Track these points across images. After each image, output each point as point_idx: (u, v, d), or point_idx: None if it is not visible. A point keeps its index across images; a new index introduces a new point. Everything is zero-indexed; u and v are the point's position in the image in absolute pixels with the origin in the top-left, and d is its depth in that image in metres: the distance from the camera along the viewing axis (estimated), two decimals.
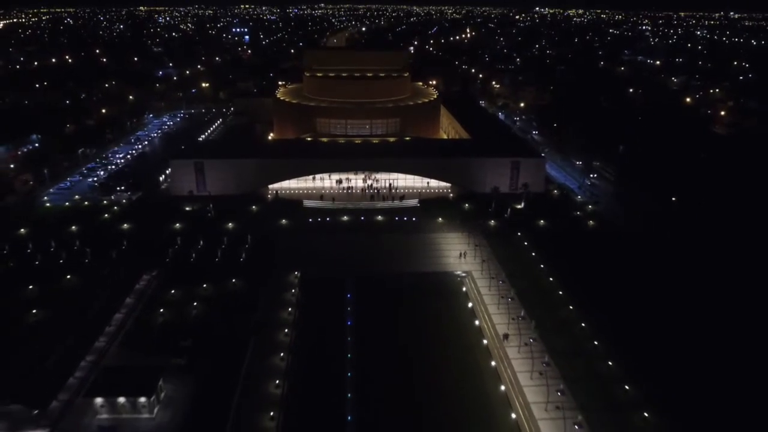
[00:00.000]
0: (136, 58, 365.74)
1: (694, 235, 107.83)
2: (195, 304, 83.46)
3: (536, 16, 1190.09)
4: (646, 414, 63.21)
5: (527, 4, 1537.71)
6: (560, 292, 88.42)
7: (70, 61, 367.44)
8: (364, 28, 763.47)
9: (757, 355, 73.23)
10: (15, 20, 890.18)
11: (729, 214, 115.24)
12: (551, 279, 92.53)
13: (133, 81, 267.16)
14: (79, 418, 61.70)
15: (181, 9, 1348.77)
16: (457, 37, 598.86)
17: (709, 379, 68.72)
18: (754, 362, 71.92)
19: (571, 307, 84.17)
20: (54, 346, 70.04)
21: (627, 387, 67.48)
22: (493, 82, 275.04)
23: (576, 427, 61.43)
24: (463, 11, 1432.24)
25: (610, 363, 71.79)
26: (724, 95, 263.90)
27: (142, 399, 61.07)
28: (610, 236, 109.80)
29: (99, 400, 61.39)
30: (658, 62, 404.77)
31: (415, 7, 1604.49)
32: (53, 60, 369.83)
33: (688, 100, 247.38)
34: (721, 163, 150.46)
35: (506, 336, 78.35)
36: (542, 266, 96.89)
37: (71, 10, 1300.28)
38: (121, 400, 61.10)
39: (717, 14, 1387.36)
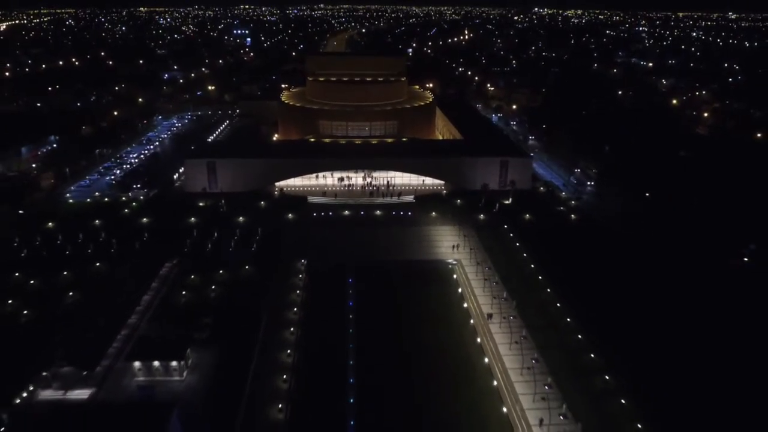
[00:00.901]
0: (141, 61, 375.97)
1: (662, 228, 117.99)
2: (213, 287, 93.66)
3: (534, 17, 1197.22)
4: (607, 377, 73.37)
5: (527, 4, 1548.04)
6: (539, 277, 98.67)
7: (77, 63, 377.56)
8: (363, 30, 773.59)
9: (714, 328, 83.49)
10: (17, 21, 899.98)
11: (700, 208, 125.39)
12: (532, 266, 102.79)
13: (141, 84, 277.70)
14: (120, 380, 71.94)
15: (181, 10, 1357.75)
16: (456, 39, 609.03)
17: (665, 346, 78.96)
18: (713, 333, 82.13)
19: (548, 290, 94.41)
20: (93, 321, 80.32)
21: (593, 355, 77.71)
22: (488, 85, 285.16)
23: (546, 387, 71.50)
24: (462, 12, 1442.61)
25: (579, 336, 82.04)
26: (711, 97, 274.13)
27: (174, 363, 71.32)
28: (587, 229, 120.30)
29: (137, 364, 71.67)
30: (650, 64, 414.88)
31: (414, 8, 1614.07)
32: (60, 63, 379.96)
33: (674, 102, 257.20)
34: (698, 162, 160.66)
35: (490, 315, 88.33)
36: (525, 255, 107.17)
37: (71, 10, 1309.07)
38: (156, 363, 71.34)
39: (716, 15, 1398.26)
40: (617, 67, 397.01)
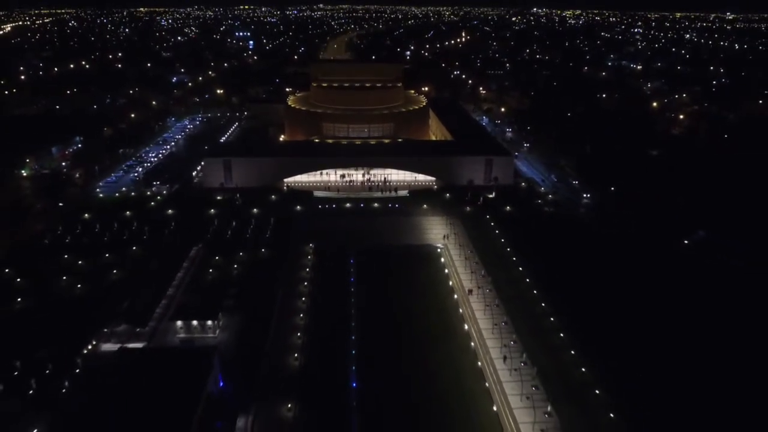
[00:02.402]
0: (149, 64, 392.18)
1: (622, 217, 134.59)
2: (235, 266, 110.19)
3: (532, 18, 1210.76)
4: (562, 335, 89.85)
5: (526, 4, 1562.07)
6: (513, 258, 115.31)
7: (87, 67, 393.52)
8: (363, 32, 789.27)
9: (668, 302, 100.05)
10: (20, 23, 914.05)
11: (659, 200, 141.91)
12: (508, 249, 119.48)
13: (152, 87, 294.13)
14: (165, 336, 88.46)
15: (181, 10, 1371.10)
16: (453, 42, 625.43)
17: (613, 310, 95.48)
18: (668, 306, 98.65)
19: (520, 268, 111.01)
20: (138, 291, 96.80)
21: (552, 319, 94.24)
22: (480, 88, 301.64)
23: (512, 343, 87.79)
24: (461, 13, 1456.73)
25: (543, 304, 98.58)
26: (690, 100, 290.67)
27: (209, 322, 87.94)
28: (558, 218, 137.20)
29: (179, 323, 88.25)
30: (639, 67, 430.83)
31: (413, 8, 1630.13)
32: (71, 66, 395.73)
33: (654, 104, 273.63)
34: (665, 160, 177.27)
35: (470, 291, 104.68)
36: (502, 240, 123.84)
37: (71, 11, 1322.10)
38: (194, 323, 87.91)
39: (713, 15, 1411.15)
40: (607, 70, 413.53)
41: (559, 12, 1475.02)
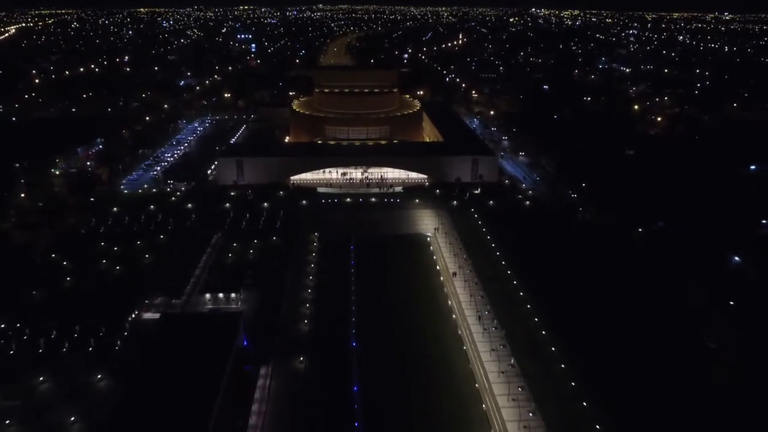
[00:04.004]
0: (156, 68, 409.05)
1: (593, 209, 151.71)
2: (251, 251, 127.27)
3: (529, 19, 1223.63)
4: (529, 306, 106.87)
5: (525, 4, 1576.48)
6: (493, 245, 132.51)
7: (97, 70, 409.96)
8: (362, 34, 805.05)
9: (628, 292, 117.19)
10: (23, 24, 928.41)
11: (627, 194, 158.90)
12: (488, 237, 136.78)
13: (162, 91, 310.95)
14: (195, 307, 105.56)
15: (180, 10, 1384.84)
16: (450, 44, 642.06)
17: (579, 287, 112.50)
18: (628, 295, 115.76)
19: (497, 253, 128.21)
20: (170, 271, 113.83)
21: (521, 293, 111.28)
22: (473, 92, 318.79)
23: (486, 312, 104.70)
24: (460, 13, 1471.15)
25: (515, 282, 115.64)
26: (671, 103, 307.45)
27: (233, 294, 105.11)
28: (536, 211, 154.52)
29: (207, 296, 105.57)
30: (628, 70, 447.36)
31: (412, 9, 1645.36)
32: (81, 69, 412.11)
33: (636, 107, 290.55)
34: (639, 159, 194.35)
35: (454, 273, 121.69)
36: (484, 230, 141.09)
37: (71, 11, 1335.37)
38: (220, 295, 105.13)
39: (710, 15, 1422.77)
40: (596, 73, 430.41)
41: (557, 12, 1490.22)
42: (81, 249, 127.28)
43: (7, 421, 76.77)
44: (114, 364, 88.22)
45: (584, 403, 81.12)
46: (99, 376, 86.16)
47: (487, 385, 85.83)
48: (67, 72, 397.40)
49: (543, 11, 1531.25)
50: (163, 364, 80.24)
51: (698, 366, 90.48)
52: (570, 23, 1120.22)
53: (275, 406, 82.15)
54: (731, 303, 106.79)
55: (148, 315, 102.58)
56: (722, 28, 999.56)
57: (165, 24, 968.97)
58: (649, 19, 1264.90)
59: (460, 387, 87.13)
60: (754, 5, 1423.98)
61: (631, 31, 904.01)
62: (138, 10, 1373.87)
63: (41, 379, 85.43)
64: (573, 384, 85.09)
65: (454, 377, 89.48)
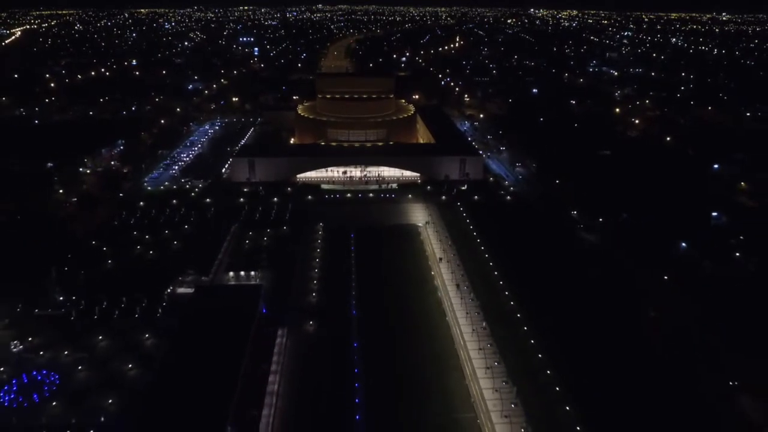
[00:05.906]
0: (164, 71, 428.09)
1: (567, 204, 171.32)
2: (264, 239, 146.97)
3: (527, 21, 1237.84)
4: (507, 292, 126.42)
5: (523, 4, 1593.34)
6: (474, 234, 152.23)
7: (107, 74, 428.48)
8: (362, 37, 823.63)
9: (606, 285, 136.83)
10: (26, 26, 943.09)
11: (599, 191, 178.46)
12: (471, 227, 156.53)
13: (173, 94, 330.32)
14: (221, 282, 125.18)
15: (180, 11, 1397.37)
16: (446, 47, 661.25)
17: (552, 276, 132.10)
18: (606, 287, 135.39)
19: (478, 241, 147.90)
20: (197, 255, 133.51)
21: (496, 273, 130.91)
22: (465, 95, 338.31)
23: (465, 288, 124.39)
24: (459, 14, 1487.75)
25: (491, 263, 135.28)
26: (652, 105, 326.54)
27: (252, 272, 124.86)
28: (515, 205, 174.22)
29: (231, 274, 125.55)
30: (617, 73, 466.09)
31: (411, 9, 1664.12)
32: (92, 73, 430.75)
33: (617, 110, 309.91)
34: (615, 158, 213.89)
35: (441, 258, 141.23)
36: (467, 221, 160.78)
37: (71, 11, 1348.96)
38: (242, 273, 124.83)
39: (708, 16, 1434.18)
40: (586, 76, 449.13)
41: (555, 12, 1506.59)
42: (117, 237, 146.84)
43: (80, 367, 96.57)
44: (158, 326, 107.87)
45: (540, 355, 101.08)
46: (146, 335, 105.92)
47: (462, 342, 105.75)
48: (79, 76, 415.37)
49: (541, 12, 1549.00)
50: (200, 324, 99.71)
51: (640, 330, 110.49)
52: (567, 24, 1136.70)
53: (290, 358, 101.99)
54: (665, 278, 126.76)
55: (181, 289, 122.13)
56: (717, 30, 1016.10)
57: (167, 26, 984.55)
58: (646, 19, 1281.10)
59: (440, 342, 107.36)
60: (752, 5, 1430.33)
61: (626, 33, 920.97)
62: (138, 10, 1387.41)
63: (100, 338, 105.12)
64: (532, 342, 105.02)
65: (436, 338, 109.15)
